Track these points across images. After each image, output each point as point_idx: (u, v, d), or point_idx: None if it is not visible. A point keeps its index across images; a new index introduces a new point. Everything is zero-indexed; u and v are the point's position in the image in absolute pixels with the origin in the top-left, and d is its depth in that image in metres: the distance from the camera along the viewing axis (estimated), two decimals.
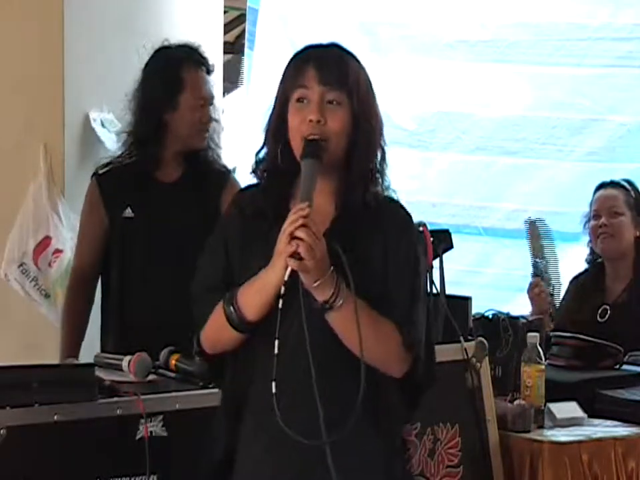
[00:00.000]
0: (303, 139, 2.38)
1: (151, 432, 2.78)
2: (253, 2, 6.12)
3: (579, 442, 3.20)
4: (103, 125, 4.43)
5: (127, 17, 4.61)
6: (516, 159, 5.78)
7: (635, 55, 5.54)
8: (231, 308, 2.37)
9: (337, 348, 2.34)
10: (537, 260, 4.03)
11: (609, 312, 4.17)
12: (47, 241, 4.23)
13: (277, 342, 2.27)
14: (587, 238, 4.31)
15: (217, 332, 2.43)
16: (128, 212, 3.68)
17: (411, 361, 2.37)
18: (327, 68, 2.41)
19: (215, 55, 5.43)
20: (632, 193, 4.28)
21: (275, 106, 2.47)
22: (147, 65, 3.76)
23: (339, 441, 2.27)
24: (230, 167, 3.90)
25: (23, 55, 4.35)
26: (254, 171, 2.50)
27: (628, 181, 4.35)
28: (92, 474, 2.73)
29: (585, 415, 3.37)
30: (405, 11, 5.82)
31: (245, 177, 6.38)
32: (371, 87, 2.47)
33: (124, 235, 3.68)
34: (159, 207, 3.69)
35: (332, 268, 2.29)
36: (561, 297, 4.21)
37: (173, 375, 3.07)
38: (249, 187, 2.55)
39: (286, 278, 2.27)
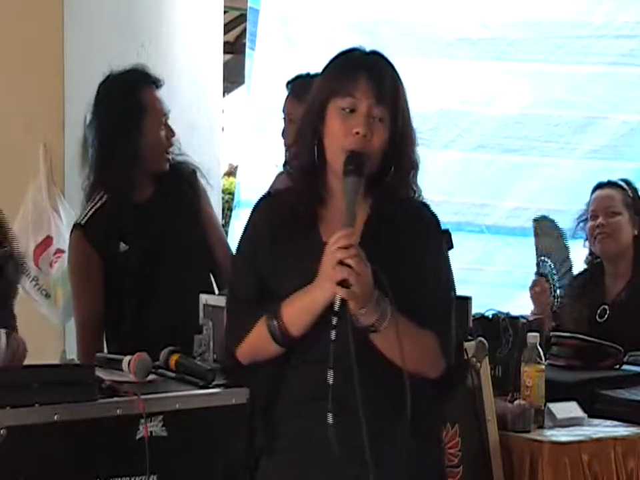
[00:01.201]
0: (345, 151, 2.36)
1: (151, 432, 2.78)
2: (254, 2, 6.12)
3: (579, 442, 3.20)
4: None
5: (127, 17, 4.61)
6: (518, 156, 5.77)
7: (637, 53, 5.53)
8: (275, 322, 2.37)
9: (376, 359, 2.35)
10: (542, 259, 4.02)
11: (608, 312, 4.17)
12: (48, 241, 4.23)
13: (331, 372, 2.29)
14: (582, 236, 4.32)
15: (257, 344, 2.42)
16: (122, 246, 3.66)
17: (445, 364, 2.41)
18: (380, 82, 2.38)
19: (215, 55, 5.45)
20: (629, 192, 4.28)
21: (313, 104, 2.43)
22: (98, 94, 3.73)
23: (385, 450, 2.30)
24: (192, 167, 3.84)
25: (22, 55, 4.35)
26: (286, 163, 2.52)
27: (625, 181, 4.34)
28: (92, 474, 2.74)
29: (585, 415, 3.36)
30: (406, 10, 5.81)
31: (244, 176, 6.40)
32: (408, 104, 2.45)
33: (124, 268, 3.66)
34: (145, 229, 3.67)
35: (377, 292, 2.30)
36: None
37: (172, 375, 3.08)
38: (274, 192, 2.55)
39: (337, 308, 2.28)
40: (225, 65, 5.74)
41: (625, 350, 3.85)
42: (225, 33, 6.15)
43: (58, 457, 2.70)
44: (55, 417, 2.68)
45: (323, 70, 2.47)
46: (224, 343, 2.57)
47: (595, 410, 3.41)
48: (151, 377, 3.04)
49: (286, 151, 2.41)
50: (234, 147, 6.61)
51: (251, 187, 6.04)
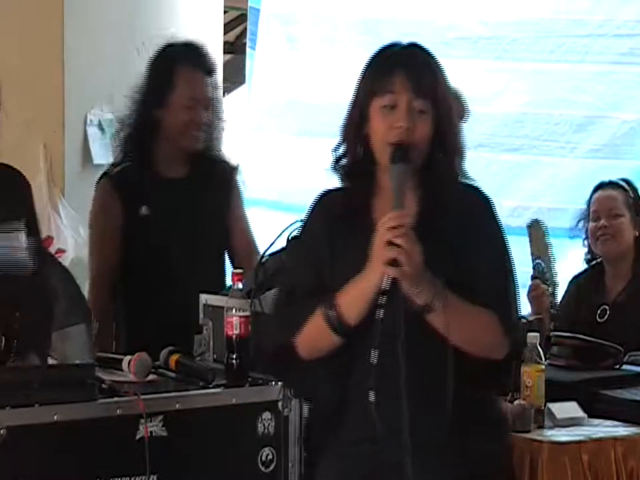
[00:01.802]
0: (389, 144, 2.41)
1: (151, 432, 2.78)
2: (254, 2, 6.12)
3: (579, 442, 3.19)
4: (101, 125, 4.44)
5: (127, 17, 4.62)
6: (518, 155, 5.77)
7: (638, 52, 5.52)
8: (331, 312, 2.39)
9: (433, 342, 2.37)
10: (538, 261, 4.02)
11: (608, 312, 4.17)
12: (48, 240, 4.23)
13: (375, 352, 2.31)
14: (580, 235, 4.32)
15: (315, 337, 2.45)
16: (143, 210, 3.68)
17: (509, 343, 2.44)
18: (416, 74, 2.43)
19: (215, 55, 5.44)
20: (630, 193, 4.27)
21: (355, 104, 2.49)
22: (152, 57, 3.75)
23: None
24: (235, 164, 3.86)
25: (23, 55, 4.36)
26: (333, 168, 2.53)
27: (626, 181, 4.34)
28: (92, 474, 2.74)
29: (585, 415, 3.36)
30: (406, 9, 5.82)
31: (248, 176, 6.42)
32: (450, 91, 2.51)
33: (141, 234, 3.68)
34: (171, 204, 3.68)
35: (429, 272, 2.32)
36: (560, 296, 4.21)
37: (173, 374, 3.08)
38: (331, 189, 2.57)
39: (386, 287, 2.31)
40: (225, 64, 5.75)
41: (625, 350, 3.85)
42: (225, 32, 6.15)
43: (58, 457, 2.70)
44: (55, 417, 2.68)
45: (362, 70, 2.52)
46: (271, 334, 2.56)
47: (595, 410, 3.41)
48: (150, 376, 3.03)
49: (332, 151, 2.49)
50: (234, 147, 6.59)
51: (251, 186, 6.04)
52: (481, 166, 5.82)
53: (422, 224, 2.41)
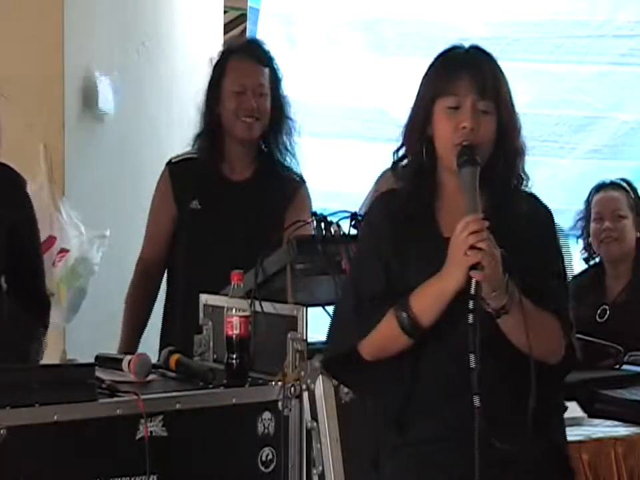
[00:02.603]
0: (455, 145, 2.42)
1: (151, 432, 2.78)
2: (254, 1, 6.12)
3: (579, 442, 3.19)
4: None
5: (127, 17, 4.61)
6: None
7: (637, 52, 5.54)
8: (404, 314, 2.40)
9: (504, 348, 2.38)
10: None
11: (608, 312, 4.17)
12: (51, 240, 4.22)
13: (472, 356, 2.29)
14: (579, 234, 4.32)
15: (385, 339, 2.44)
16: (195, 204, 3.68)
17: (565, 346, 2.47)
18: (480, 76, 2.45)
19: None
20: (632, 193, 4.28)
21: (418, 106, 2.50)
22: None
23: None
24: (302, 176, 3.82)
25: (23, 55, 4.35)
26: (393, 169, 2.55)
27: (626, 181, 4.34)
28: (92, 474, 2.73)
29: (585, 415, 3.36)
30: (407, 9, 5.82)
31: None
32: (511, 92, 2.52)
33: (189, 228, 3.68)
34: (225, 204, 3.68)
35: (507, 275, 2.33)
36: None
37: (173, 374, 3.08)
38: (391, 191, 2.58)
39: (473, 291, 2.30)
40: None
41: (625, 350, 3.86)
42: (225, 32, 6.14)
43: (58, 457, 2.69)
44: (55, 417, 2.68)
45: (425, 72, 2.54)
46: (338, 338, 2.56)
47: (595, 410, 3.42)
48: (151, 376, 3.03)
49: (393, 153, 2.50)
50: None
51: None
52: None
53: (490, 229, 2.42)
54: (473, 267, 2.30)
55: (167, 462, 2.82)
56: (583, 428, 3.31)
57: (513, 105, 2.51)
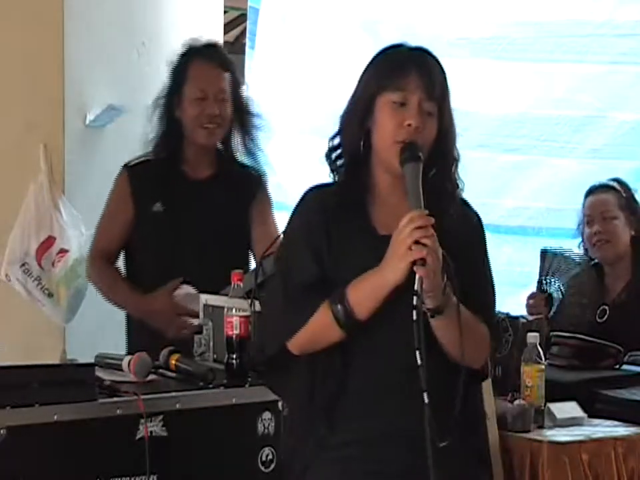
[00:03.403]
0: (396, 142, 2.40)
1: (151, 432, 2.79)
2: (254, 1, 6.11)
3: (579, 442, 3.19)
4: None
5: (127, 17, 4.61)
6: (518, 155, 5.77)
7: (637, 52, 5.52)
8: (339, 306, 2.37)
9: (434, 348, 2.37)
10: (549, 279, 3.99)
11: (608, 312, 4.17)
12: (50, 240, 4.22)
13: (418, 353, 2.26)
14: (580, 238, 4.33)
15: (317, 332, 2.41)
16: (157, 206, 3.68)
17: (492, 348, 2.50)
18: (429, 76, 2.43)
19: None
20: (623, 192, 4.26)
21: (360, 96, 2.47)
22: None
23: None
24: (263, 172, 3.83)
25: (23, 55, 4.35)
26: (327, 157, 2.51)
27: (618, 180, 4.33)
28: (92, 474, 2.74)
29: (585, 415, 3.36)
30: (407, 9, 5.81)
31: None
32: (451, 98, 2.51)
33: (152, 229, 3.67)
34: (188, 204, 3.68)
35: (445, 275, 2.33)
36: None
37: (173, 374, 3.08)
38: (321, 185, 2.55)
39: (416, 287, 2.29)
40: None
41: (625, 350, 3.86)
42: (225, 32, 6.13)
43: (58, 457, 2.71)
44: (55, 417, 2.69)
45: (369, 64, 2.52)
46: (269, 333, 2.53)
47: (595, 410, 3.41)
48: (150, 376, 3.03)
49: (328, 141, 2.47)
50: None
51: None
52: (480, 166, 5.83)
53: None
54: (419, 262, 2.28)
55: (167, 462, 2.82)
56: (583, 428, 3.30)
57: (452, 112, 2.49)
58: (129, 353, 3.61)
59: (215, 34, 5.26)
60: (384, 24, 5.75)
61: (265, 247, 3.59)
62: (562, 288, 4.07)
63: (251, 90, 6.13)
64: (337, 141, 2.51)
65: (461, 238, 2.45)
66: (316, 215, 2.47)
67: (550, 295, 4.07)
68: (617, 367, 3.82)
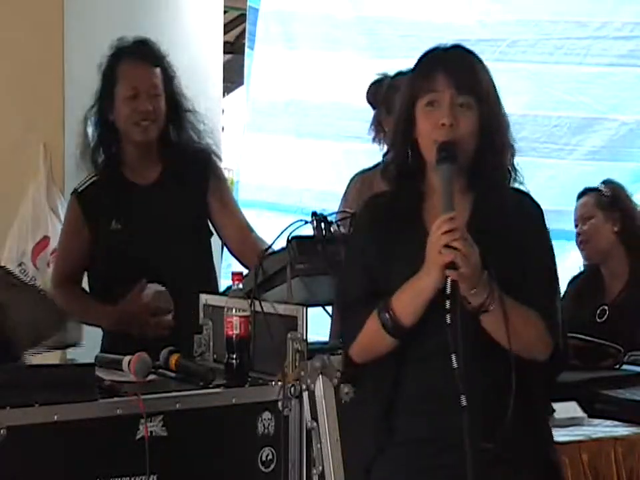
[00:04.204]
0: (435, 142, 2.42)
1: (151, 432, 2.78)
2: (253, 1, 6.12)
3: (579, 442, 3.20)
4: None
5: (126, 18, 4.61)
6: (517, 157, 5.74)
7: (637, 54, 5.53)
8: (386, 315, 2.41)
9: (488, 343, 2.38)
10: None
11: (607, 312, 4.18)
12: (45, 241, 4.23)
13: (454, 356, 2.28)
14: None
15: (370, 340, 2.46)
16: (114, 224, 3.64)
17: (553, 345, 2.44)
18: (457, 71, 2.45)
19: (215, 55, 5.45)
20: (606, 192, 4.27)
21: (400, 109, 2.51)
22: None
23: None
24: (206, 157, 3.75)
25: (23, 55, 4.35)
26: (384, 173, 2.56)
27: (606, 181, 4.34)
28: (92, 474, 2.73)
29: (585, 415, 3.36)
30: (406, 10, 5.82)
31: (243, 176, 6.40)
32: (496, 89, 2.52)
33: (113, 246, 3.63)
34: (143, 212, 3.64)
35: (486, 272, 2.33)
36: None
37: (173, 375, 3.07)
38: (378, 194, 2.59)
39: (448, 291, 2.31)
40: (225, 65, 5.74)
41: (625, 350, 3.86)
42: (225, 33, 6.14)
43: (58, 457, 2.70)
44: (55, 417, 2.68)
45: (408, 76, 2.55)
46: (345, 348, 2.58)
47: (595, 410, 3.41)
48: (150, 376, 3.03)
49: (383, 156, 2.52)
50: (234, 147, 6.59)
51: (251, 186, 6.04)
52: None
53: (475, 227, 2.42)
54: (449, 266, 2.30)
55: (167, 462, 2.81)
56: (583, 428, 3.31)
57: (497, 100, 2.50)
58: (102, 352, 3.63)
59: (215, 34, 5.27)
60: (383, 25, 5.76)
61: (231, 232, 3.63)
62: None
63: (251, 90, 6.17)
64: (389, 156, 2.56)
65: (516, 230, 2.45)
66: (367, 226, 2.53)
67: None
68: (617, 367, 3.82)
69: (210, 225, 3.76)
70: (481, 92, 2.45)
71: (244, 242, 3.69)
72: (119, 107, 3.63)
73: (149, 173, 3.68)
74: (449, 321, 2.30)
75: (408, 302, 2.40)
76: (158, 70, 3.68)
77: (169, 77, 3.72)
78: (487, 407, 2.36)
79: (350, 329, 2.49)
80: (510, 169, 2.52)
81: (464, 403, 2.28)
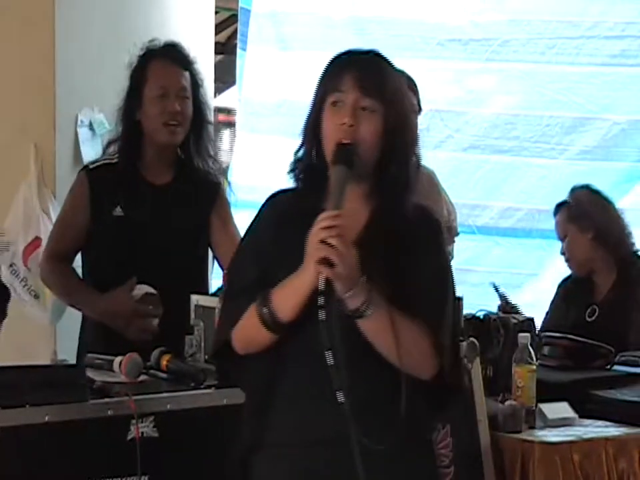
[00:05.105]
0: (334, 143, 2.40)
1: (142, 433, 2.78)
2: (245, 2, 6.12)
3: (570, 442, 3.20)
4: (91, 125, 4.43)
5: (117, 18, 4.61)
6: (509, 157, 5.78)
7: (628, 54, 5.54)
8: (264, 309, 2.38)
9: (368, 350, 2.35)
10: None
11: (597, 311, 4.19)
12: (37, 241, 4.22)
13: (329, 352, 2.25)
14: None
15: (250, 332, 2.42)
16: (117, 210, 3.64)
17: (438, 364, 2.38)
18: (365, 74, 2.42)
19: (206, 56, 5.44)
20: (572, 202, 4.28)
21: (311, 107, 2.48)
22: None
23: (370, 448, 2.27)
24: (218, 179, 3.80)
25: (14, 56, 4.35)
26: (291, 170, 2.51)
27: (572, 189, 4.34)
28: (83, 474, 2.74)
29: (576, 415, 3.37)
30: (398, 10, 5.82)
31: (236, 176, 6.40)
32: (407, 98, 2.50)
33: (112, 233, 3.63)
34: (149, 208, 3.64)
35: (364, 277, 2.30)
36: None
37: (164, 375, 3.07)
38: (284, 190, 2.55)
39: (322, 287, 2.27)
40: (217, 65, 5.74)
41: (616, 349, 3.86)
42: (217, 33, 6.14)
43: (49, 458, 2.70)
44: (46, 418, 2.68)
45: (320, 74, 2.52)
46: (214, 332, 2.57)
47: (586, 410, 3.42)
48: (142, 377, 3.03)
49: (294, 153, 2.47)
50: (225, 147, 6.57)
51: (243, 187, 6.03)
52: (472, 167, 5.85)
53: (371, 234, 2.40)
54: (324, 262, 2.26)
55: (158, 463, 2.82)
56: (574, 428, 3.31)
57: (404, 109, 2.46)
58: (79, 351, 3.62)
59: (206, 34, 5.26)
60: (375, 25, 5.77)
61: (227, 251, 3.62)
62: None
63: (244, 91, 6.16)
64: (300, 152, 2.51)
65: (414, 241, 2.42)
66: (267, 220, 2.49)
67: None
68: (608, 367, 3.83)
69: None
70: (387, 97, 2.42)
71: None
72: (146, 107, 3.62)
73: (162, 176, 3.69)
74: (322, 317, 2.26)
75: (287, 297, 2.36)
76: (187, 74, 3.69)
77: (196, 83, 3.72)
78: (363, 409, 2.30)
79: (230, 316, 2.45)
80: (411, 180, 2.46)
81: (340, 399, 2.25)
